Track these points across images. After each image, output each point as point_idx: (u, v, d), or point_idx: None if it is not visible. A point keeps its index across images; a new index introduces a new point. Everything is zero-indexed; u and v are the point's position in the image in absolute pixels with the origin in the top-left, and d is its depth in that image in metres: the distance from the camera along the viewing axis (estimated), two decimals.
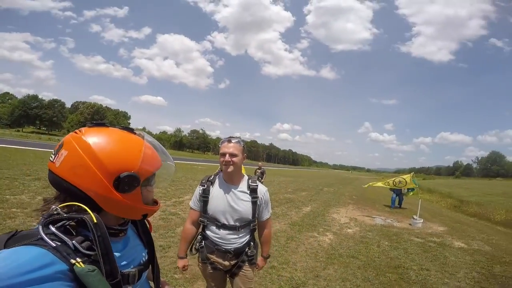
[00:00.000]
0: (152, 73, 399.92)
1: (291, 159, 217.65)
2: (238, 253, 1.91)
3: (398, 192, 11.68)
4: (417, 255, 5.30)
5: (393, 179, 10.47)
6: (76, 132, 0.76)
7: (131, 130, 0.83)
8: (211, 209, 1.88)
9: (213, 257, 1.92)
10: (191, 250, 1.99)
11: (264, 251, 2.10)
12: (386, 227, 7.71)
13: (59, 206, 0.69)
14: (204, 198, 1.90)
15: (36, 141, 31.53)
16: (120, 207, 0.76)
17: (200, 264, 1.99)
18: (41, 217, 0.70)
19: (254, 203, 1.88)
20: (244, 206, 1.86)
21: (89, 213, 0.67)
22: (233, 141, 1.85)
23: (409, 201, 11.95)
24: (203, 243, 1.94)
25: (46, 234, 0.63)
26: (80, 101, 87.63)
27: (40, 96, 70.65)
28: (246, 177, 1.97)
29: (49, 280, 0.57)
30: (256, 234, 2.04)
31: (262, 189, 1.95)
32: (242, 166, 2.00)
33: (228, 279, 2.05)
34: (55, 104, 70.62)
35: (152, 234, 1.01)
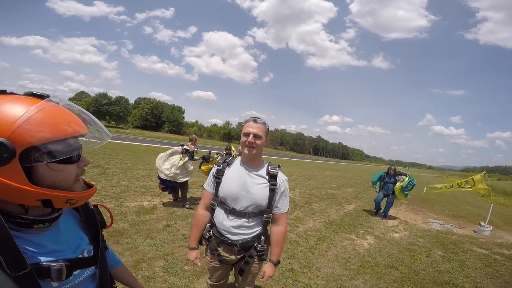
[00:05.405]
0: (202, 70, 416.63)
1: (341, 153, 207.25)
2: (246, 247, 1.73)
3: (387, 191, 7.54)
4: (475, 270, 4.41)
5: (457, 181, 7.91)
6: None
7: (36, 96, 0.67)
8: (223, 191, 1.71)
9: (221, 250, 1.77)
10: (200, 240, 1.84)
11: (274, 253, 1.77)
12: (443, 234, 6.63)
13: None
14: (218, 179, 1.75)
15: None
16: None
17: (208, 254, 1.84)
18: None
19: (272, 190, 1.69)
20: (259, 190, 1.68)
21: None
22: (258, 121, 1.68)
23: (478, 204, 10.07)
24: (211, 232, 1.78)
25: None
26: (142, 98, 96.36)
27: (108, 94, 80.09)
28: (266, 163, 1.78)
29: None
30: (269, 228, 1.81)
31: (282, 177, 1.75)
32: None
33: (232, 273, 1.91)
34: (121, 101, 79.20)
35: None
